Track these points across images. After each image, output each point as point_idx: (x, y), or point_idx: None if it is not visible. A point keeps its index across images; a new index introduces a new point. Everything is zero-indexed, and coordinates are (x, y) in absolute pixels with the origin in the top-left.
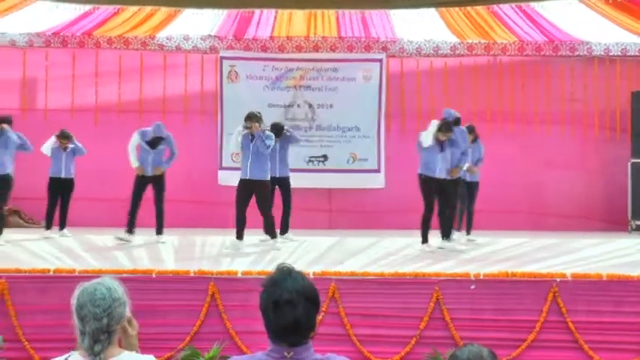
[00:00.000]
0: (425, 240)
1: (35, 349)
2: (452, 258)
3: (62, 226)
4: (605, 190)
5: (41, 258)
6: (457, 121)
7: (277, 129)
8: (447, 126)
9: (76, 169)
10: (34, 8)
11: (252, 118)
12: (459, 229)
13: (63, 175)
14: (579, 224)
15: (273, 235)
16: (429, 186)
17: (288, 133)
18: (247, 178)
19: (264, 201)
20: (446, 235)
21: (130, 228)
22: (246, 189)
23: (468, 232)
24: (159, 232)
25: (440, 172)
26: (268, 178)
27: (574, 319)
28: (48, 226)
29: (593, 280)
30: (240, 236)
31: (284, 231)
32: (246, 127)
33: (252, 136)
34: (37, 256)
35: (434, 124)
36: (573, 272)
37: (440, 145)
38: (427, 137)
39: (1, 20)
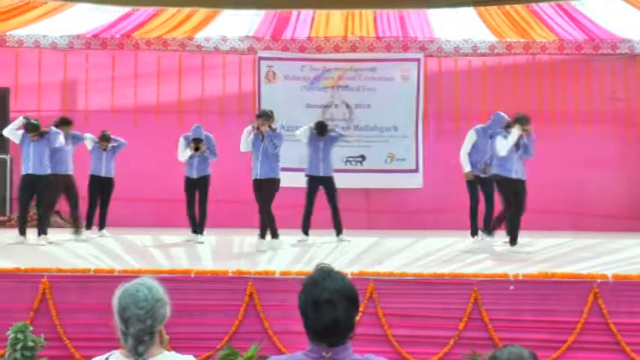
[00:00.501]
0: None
1: (76, 347)
2: (491, 258)
3: (102, 226)
4: None
5: (81, 258)
6: (508, 125)
7: (321, 128)
8: (527, 119)
9: (115, 170)
10: (75, 11)
11: (262, 116)
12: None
13: (103, 174)
14: (621, 224)
15: (262, 235)
16: (506, 187)
17: (333, 134)
18: (258, 177)
19: (268, 199)
20: (514, 239)
21: (194, 228)
22: (258, 188)
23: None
24: (199, 232)
25: (516, 173)
26: (278, 176)
27: (615, 321)
28: (88, 226)
29: (635, 281)
30: (275, 235)
31: (338, 232)
32: (254, 127)
33: (263, 135)
34: (77, 255)
35: (515, 133)
36: (615, 273)
37: (516, 145)
38: (506, 146)
39: (43, 23)
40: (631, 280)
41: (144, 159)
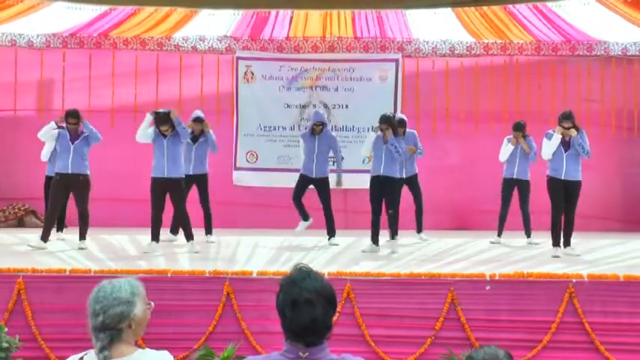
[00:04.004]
0: (557, 243)
1: (52, 348)
2: (467, 258)
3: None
4: (623, 191)
5: (57, 258)
6: (402, 123)
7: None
8: (566, 116)
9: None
10: (51, 9)
11: (386, 121)
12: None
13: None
14: (596, 225)
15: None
16: (555, 188)
17: (333, 144)
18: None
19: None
20: (568, 242)
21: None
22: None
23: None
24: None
25: (567, 174)
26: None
27: (590, 320)
28: (59, 227)
29: (609, 281)
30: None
31: (330, 235)
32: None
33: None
34: (53, 256)
35: (557, 137)
36: (590, 273)
37: (564, 144)
38: (548, 148)
39: (19, 21)
40: (606, 280)
41: (120, 159)
